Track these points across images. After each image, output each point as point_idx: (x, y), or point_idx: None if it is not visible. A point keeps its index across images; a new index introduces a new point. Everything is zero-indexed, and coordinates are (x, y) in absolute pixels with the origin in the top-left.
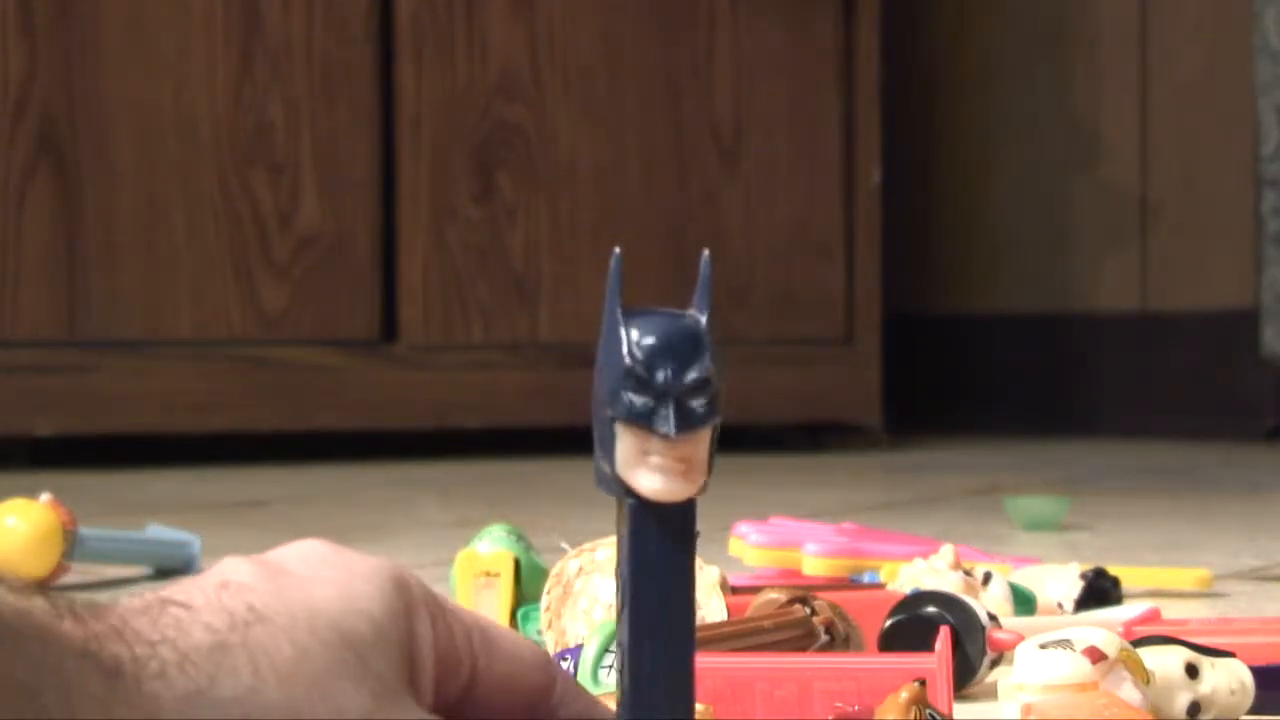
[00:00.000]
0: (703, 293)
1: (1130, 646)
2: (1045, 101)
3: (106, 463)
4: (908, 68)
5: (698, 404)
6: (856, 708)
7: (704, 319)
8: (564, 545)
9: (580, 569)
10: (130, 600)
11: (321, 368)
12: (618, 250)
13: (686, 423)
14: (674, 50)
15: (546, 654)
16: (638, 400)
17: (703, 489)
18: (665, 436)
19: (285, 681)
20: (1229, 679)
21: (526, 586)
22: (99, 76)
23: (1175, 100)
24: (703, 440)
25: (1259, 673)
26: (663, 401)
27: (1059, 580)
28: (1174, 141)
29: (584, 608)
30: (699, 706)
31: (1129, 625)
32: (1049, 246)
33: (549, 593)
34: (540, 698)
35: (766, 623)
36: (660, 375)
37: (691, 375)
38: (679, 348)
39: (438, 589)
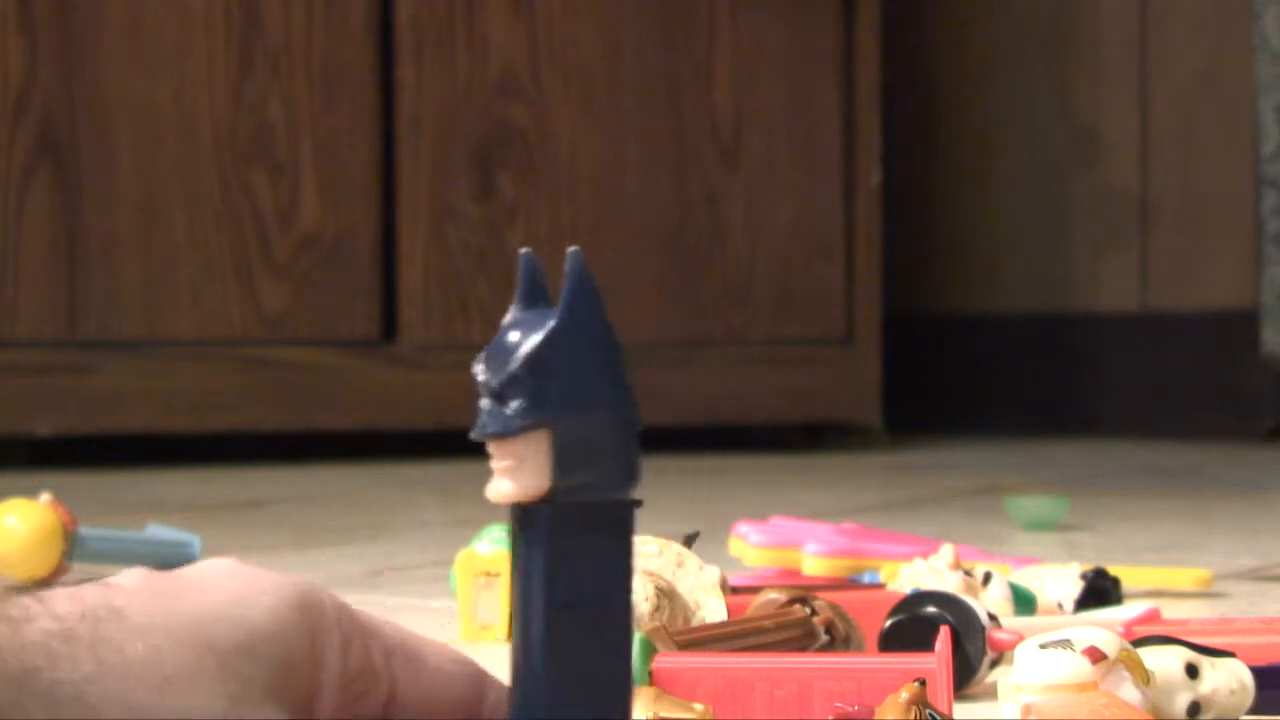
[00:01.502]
0: (568, 291)
1: (1130, 646)
2: (1045, 101)
3: (106, 463)
4: (908, 68)
5: (514, 405)
6: (856, 708)
7: (553, 321)
8: None
9: None
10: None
11: (321, 368)
12: (525, 251)
13: (496, 423)
14: (674, 50)
15: (478, 667)
16: (479, 402)
17: (549, 495)
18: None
19: (128, 678)
20: (1229, 679)
21: None
22: (99, 76)
23: (1175, 100)
24: (535, 441)
25: (1259, 673)
26: (481, 402)
27: (1059, 580)
28: (1174, 141)
29: None
30: (698, 706)
31: (1129, 625)
32: (1049, 246)
33: None
34: (468, 711)
35: (766, 623)
36: (480, 376)
37: (498, 377)
38: (499, 348)
39: (437, 589)
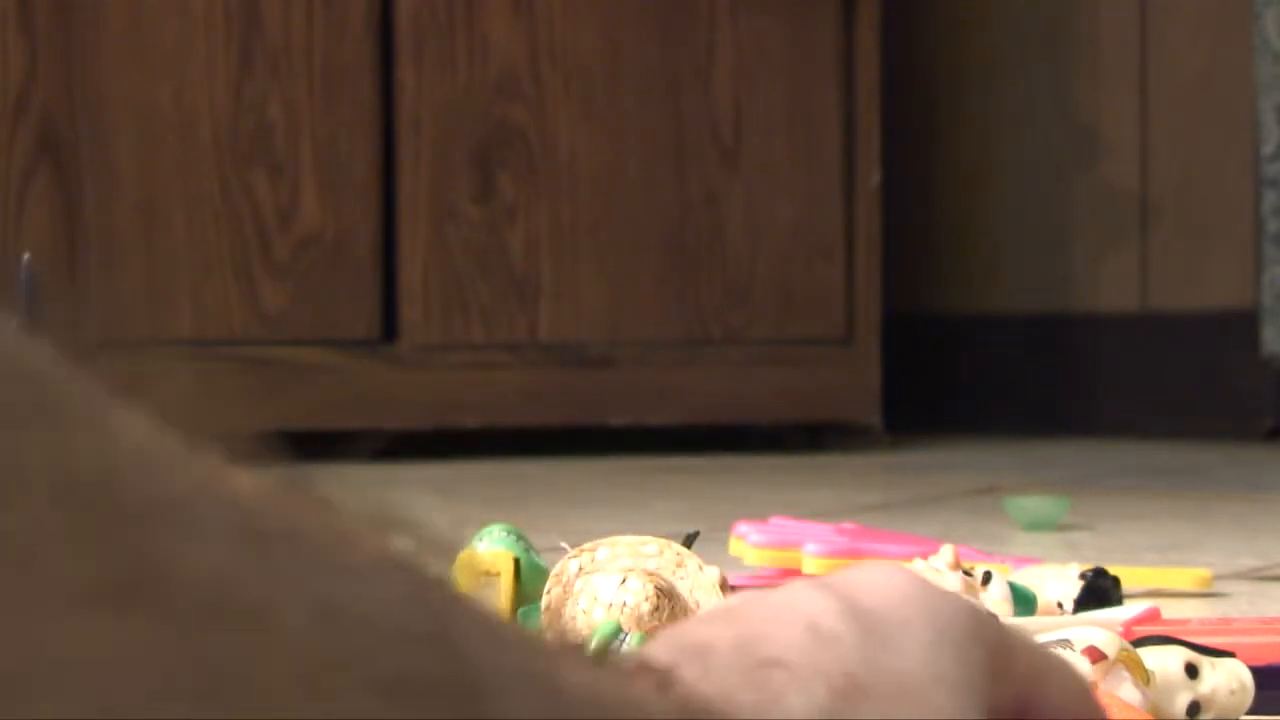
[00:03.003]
0: (19, 296)
1: (1130, 646)
2: (1045, 101)
3: None
4: (908, 68)
5: None
6: None
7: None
8: (564, 545)
9: (580, 569)
10: (692, 636)
11: (321, 368)
12: (25, 256)
13: None
14: (674, 50)
15: (1088, 684)
16: None
17: None
18: None
19: None
20: (1229, 679)
21: (526, 586)
22: (99, 76)
23: (1175, 100)
24: None
25: (1259, 673)
26: None
27: (1059, 580)
28: (1174, 141)
29: (584, 607)
30: None
31: (1129, 625)
32: (1049, 246)
33: (549, 593)
34: None
35: None
36: None
37: None
38: None
39: None
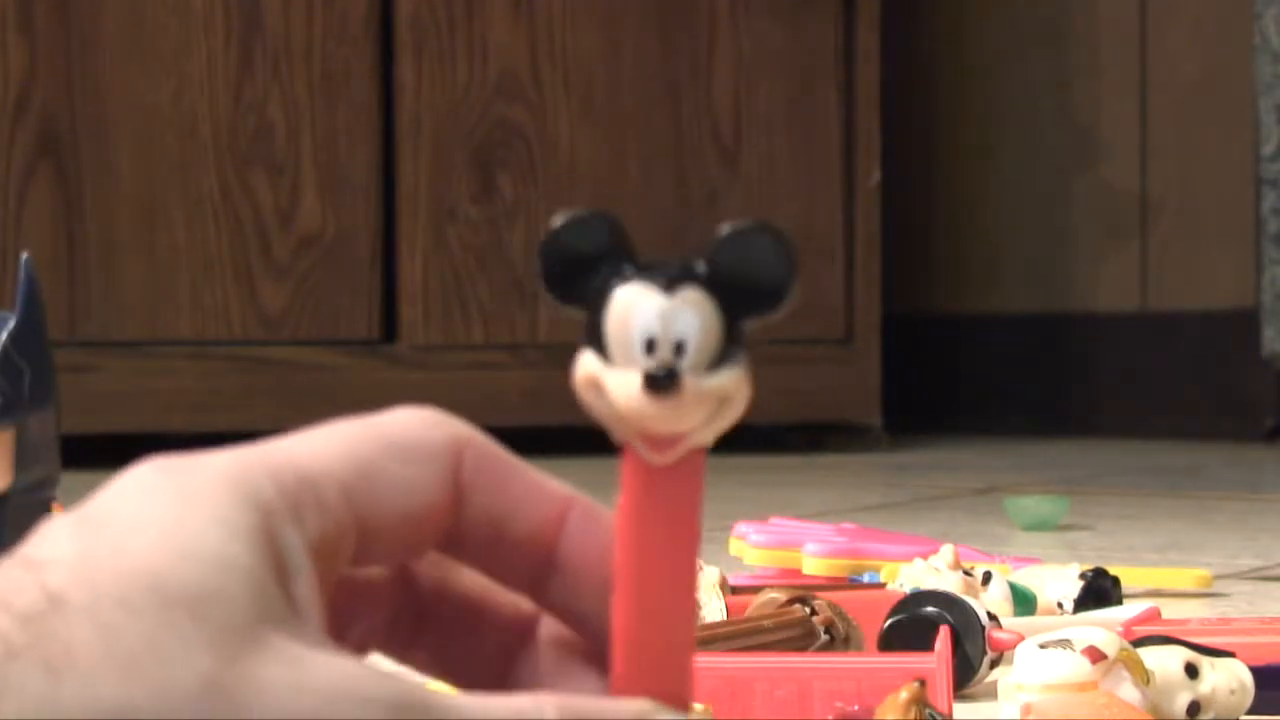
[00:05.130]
0: (19, 295)
1: (1130, 646)
2: (1045, 101)
3: (106, 463)
4: (908, 68)
5: None
6: (856, 708)
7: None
8: None
9: None
10: None
11: (321, 368)
12: (25, 256)
13: None
14: (674, 50)
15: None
16: None
17: (4, 491)
18: None
19: (89, 675)
20: (1229, 679)
21: None
22: (99, 76)
23: (1175, 100)
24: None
25: (1259, 673)
26: None
27: (1059, 580)
28: (1174, 141)
29: None
30: (698, 706)
31: (1129, 625)
32: (1049, 246)
33: None
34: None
35: (766, 623)
36: None
37: None
38: None
39: None
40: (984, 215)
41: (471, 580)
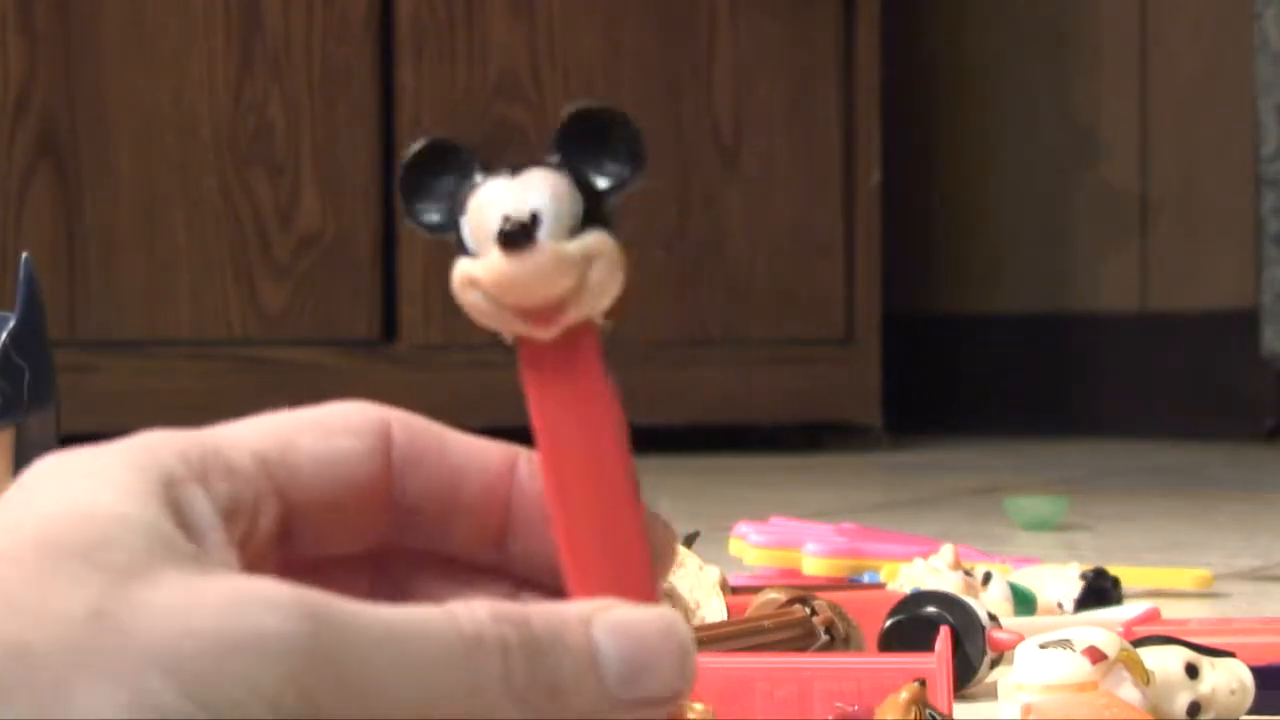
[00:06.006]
0: (19, 295)
1: (1130, 646)
2: (1045, 101)
3: None
4: (908, 68)
5: None
6: (856, 708)
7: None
8: None
9: None
10: None
11: (321, 368)
12: (25, 256)
13: None
14: (674, 50)
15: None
16: None
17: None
18: None
19: None
20: (1229, 679)
21: None
22: (99, 76)
23: (1175, 100)
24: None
25: (1259, 673)
26: None
27: (1059, 580)
28: (1174, 141)
29: None
30: (698, 706)
31: (1129, 625)
32: (1049, 246)
33: None
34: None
35: (766, 623)
36: None
37: None
38: None
39: None
40: (984, 215)
41: (443, 580)
